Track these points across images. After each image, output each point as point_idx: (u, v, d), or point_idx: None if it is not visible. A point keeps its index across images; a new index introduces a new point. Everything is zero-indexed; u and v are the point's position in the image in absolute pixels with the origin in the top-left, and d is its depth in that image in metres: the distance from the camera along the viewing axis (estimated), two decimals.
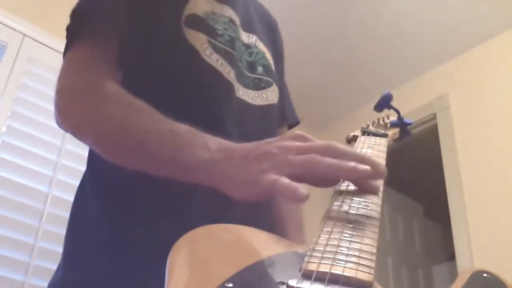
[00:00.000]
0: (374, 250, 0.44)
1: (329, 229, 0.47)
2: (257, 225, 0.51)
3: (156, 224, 0.64)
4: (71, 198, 0.75)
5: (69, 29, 0.71)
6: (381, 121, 0.90)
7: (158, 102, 0.63)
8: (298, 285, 0.39)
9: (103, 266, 0.64)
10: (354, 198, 0.52)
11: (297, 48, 2.80)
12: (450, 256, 2.83)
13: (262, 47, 0.88)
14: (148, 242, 0.62)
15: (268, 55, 0.88)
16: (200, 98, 0.73)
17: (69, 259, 0.70)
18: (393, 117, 0.91)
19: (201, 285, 0.39)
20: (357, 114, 3.21)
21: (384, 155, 0.66)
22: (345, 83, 3.13)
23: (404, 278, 3.45)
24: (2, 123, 1.92)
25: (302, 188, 0.48)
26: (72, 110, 0.67)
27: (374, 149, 0.70)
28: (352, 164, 0.51)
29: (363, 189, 0.54)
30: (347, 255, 0.42)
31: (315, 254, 0.43)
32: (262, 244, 0.49)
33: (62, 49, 0.72)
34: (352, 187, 0.55)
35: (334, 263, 0.41)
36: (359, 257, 0.42)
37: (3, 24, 2.07)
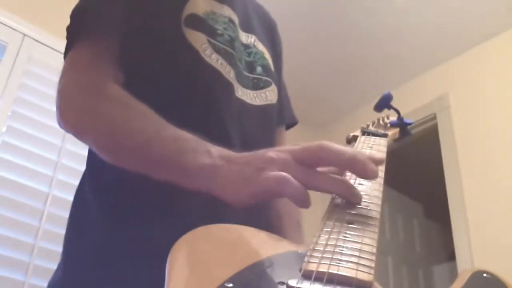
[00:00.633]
0: (374, 250, 0.44)
1: (329, 229, 0.47)
2: (257, 225, 0.51)
3: (156, 224, 0.64)
4: (71, 198, 0.75)
5: (69, 29, 0.71)
6: (381, 121, 0.90)
7: (158, 102, 0.63)
8: (298, 285, 0.39)
9: (103, 266, 0.64)
10: None
11: (297, 48, 2.80)
12: (450, 256, 2.83)
13: (261, 47, 0.88)
14: (147, 242, 0.62)
15: (267, 55, 0.88)
16: (200, 98, 0.73)
17: (68, 259, 0.70)
18: (393, 117, 0.91)
19: (201, 285, 0.39)
20: (357, 114, 3.21)
21: (384, 155, 0.66)
22: (345, 83, 3.13)
23: (404, 278, 3.45)
24: (2, 123, 1.92)
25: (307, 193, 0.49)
26: (74, 111, 0.67)
27: (374, 149, 0.70)
28: (337, 184, 0.51)
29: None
30: (347, 255, 0.42)
31: (315, 254, 0.43)
32: (262, 244, 0.49)
33: (62, 49, 0.72)
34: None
35: (334, 263, 0.41)
36: (359, 257, 0.42)
37: (3, 24, 2.07)
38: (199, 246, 0.45)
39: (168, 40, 0.74)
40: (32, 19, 2.15)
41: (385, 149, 0.70)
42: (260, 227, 0.51)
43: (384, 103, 0.89)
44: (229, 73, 0.76)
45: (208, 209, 0.64)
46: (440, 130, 2.77)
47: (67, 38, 0.71)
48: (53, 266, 0.72)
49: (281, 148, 0.54)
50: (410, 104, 2.79)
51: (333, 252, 0.43)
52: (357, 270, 0.40)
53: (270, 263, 0.44)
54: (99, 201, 0.70)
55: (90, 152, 0.74)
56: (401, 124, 0.90)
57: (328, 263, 0.41)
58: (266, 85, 0.84)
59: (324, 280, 0.39)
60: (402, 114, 0.89)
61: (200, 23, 0.76)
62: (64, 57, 0.71)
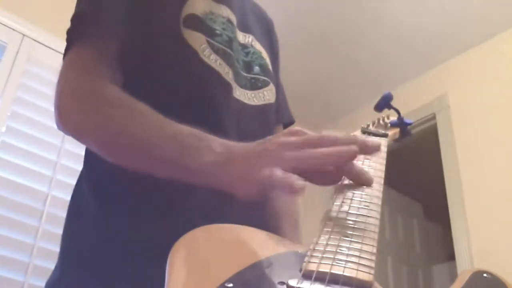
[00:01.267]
0: (374, 250, 0.44)
1: (329, 229, 0.47)
2: (257, 224, 0.51)
3: (155, 224, 0.64)
4: None
5: (69, 30, 0.71)
6: (381, 121, 0.90)
7: (157, 103, 0.63)
8: (298, 285, 0.38)
9: (101, 266, 0.64)
10: (354, 199, 0.52)
11: (297, 48, 2.80)
12: (450, 256, 2.83)
13: (258, 46, 0.88)
14: (147, 242, 0.62)
15: (264, 54, 0.88)
16: (198, 99, 0.73)
17: (66, 259, 0.69)
18: (393, 117, 0.91)
19: (201, 285, 0.39)
20: (357, 114, 3.21)
21: (384, 155, 0.66)
22: (345, 83, 3.13)
23: (404, 278, 3.45)
24: (2, 123, 1.92)
25: (298, 179, 0.49)
26: (73, 113, 0.67)
27: None
28: (337, 148, 0.52)
29: (359, 182, 0.55)
30: (347, 255, 0.42)
31: (315, 254, 0.43)
32: (262, 244, 0.49)
33: (61, 49, 0.72)
34: (352, 187, 0.55)
35: (334, 263, 0.41)
36: (359, 257, 0.42)
37: (3, 24, 2.07)
38: (199, 246, 0.45)
39: (167, 41, 0.74)
40: (31, 19, 2.15)
41: (385, 149, 0.70)
42: (260, 226, 0.51)
43: (385, 103, 0.89)
44: (227, 74, 0.76)
45: (207, 209, 0.64)
46: (440, 130, 2.77)
47: (67, 40, 0.71)
48: (53, 266, 0.72)
49: (281, 139, 0.55)
50: (410, 104, 2.79)
51: (333, 252, 0.43)
52: (357, 270, 0.40)
53: (270, 263, 0.44)
54: (96, 200, 0.70)
55: (87, 150, 0.74)
56: (401, 124, 0.90)
57: (329, 263, 0.41)
58: (264, 84, 0.84)
59: (325, 280, 0.39)
60: (402, 114, 0.89)
61: (199, 23, 0.76)
62: (63, 58, 0.71)
